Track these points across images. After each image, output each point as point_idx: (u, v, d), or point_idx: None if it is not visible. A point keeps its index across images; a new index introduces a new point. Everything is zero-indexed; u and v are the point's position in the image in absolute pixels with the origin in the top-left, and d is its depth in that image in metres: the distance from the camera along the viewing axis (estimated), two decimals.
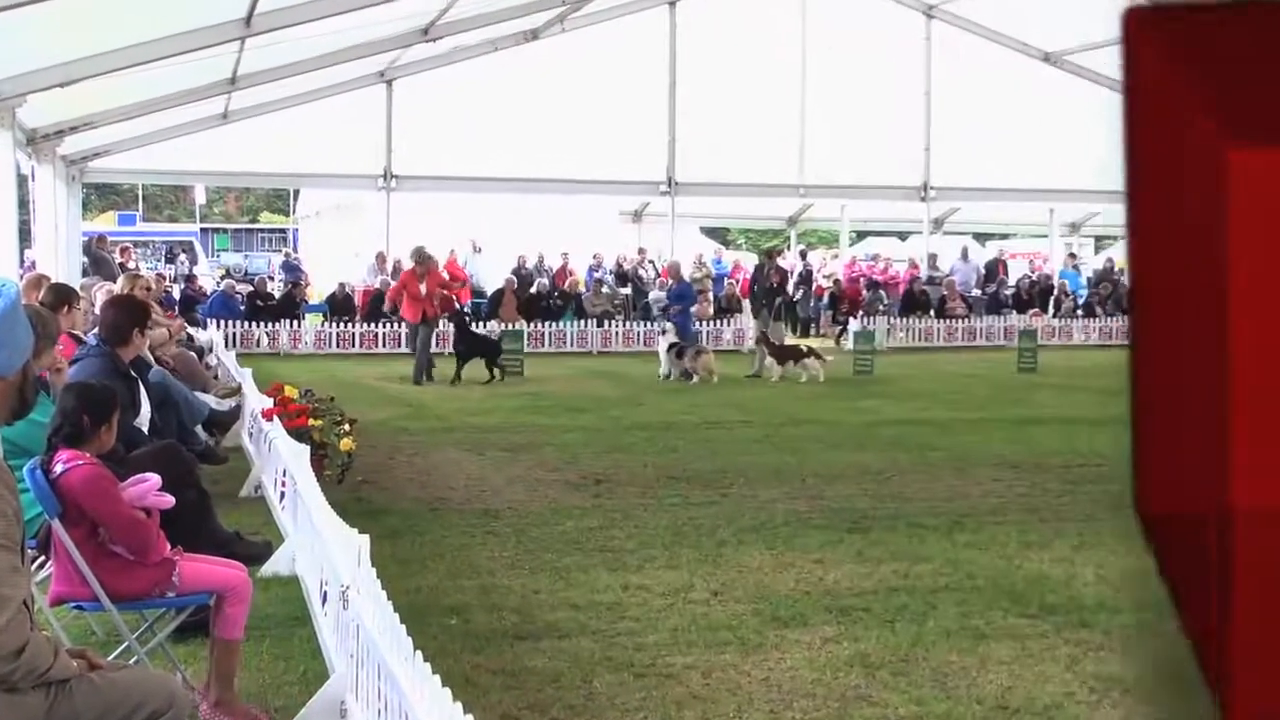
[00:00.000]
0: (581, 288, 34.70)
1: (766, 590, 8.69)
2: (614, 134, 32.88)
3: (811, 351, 24.28)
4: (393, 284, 27.21)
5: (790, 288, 30.64)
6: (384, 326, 29.71)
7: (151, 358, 12.30)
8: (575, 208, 38.15)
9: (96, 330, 10.59)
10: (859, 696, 6.59)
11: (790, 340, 29.33)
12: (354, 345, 30.11)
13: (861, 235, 49.77)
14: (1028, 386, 23.47)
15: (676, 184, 34.25)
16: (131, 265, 33.82)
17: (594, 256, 36.79)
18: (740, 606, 8.27)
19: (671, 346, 24.21)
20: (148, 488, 6.14)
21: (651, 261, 37.09)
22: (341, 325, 30.65)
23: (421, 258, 23.94)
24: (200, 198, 62.10)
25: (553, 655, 7.20)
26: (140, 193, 63.82)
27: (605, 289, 34.99)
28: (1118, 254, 46.77)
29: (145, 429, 9.92)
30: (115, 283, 16.17)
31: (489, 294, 33.73)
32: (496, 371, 23.04)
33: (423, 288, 23.52)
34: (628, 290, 35.59)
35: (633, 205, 41.94)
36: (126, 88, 21.39)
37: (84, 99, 21.22)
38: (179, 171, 35.97)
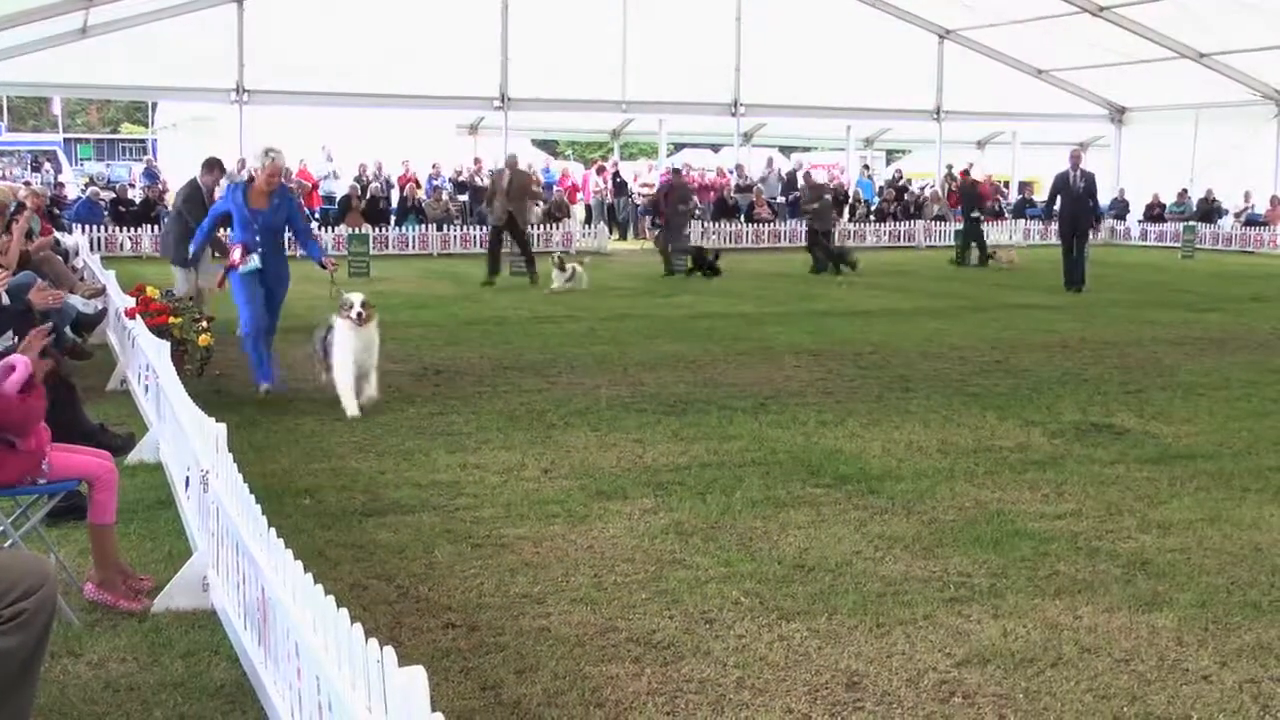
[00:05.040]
0: (421, 195, 34.33)
1: (591, 467, 8.76)
2: (452, 53, 32.51)
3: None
4: None
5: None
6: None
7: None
8: (416, 121, 37.64)
9: None
10: (673, 560, 6.70)
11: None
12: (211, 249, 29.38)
13: (678, 147, 49.80)
14: (826, 283, 23.80)
15: (509, 99, 34.11)
16: None
17: (433, 166, 36.41)
18: (567, 482, 8.34)
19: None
20: (17, 378, 5.95)
21: (490, 171, 36.74)
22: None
23: None
24: (56, 108, 59.97)
25: (398, 530, 7.21)
26: (4, 104, 61.43)
27: (445, 196, 34.70)
28: (907, 165, 47.56)
29: None
30: None
31: (336, 200, 33.36)
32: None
33: None
34: (465, 198, 35.36)
35: (469, 119, 41.54)
36: None
37: None
38: (40, 84, 34.76)
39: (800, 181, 31.48)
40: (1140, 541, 7.09)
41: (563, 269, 21.58)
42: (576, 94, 34.86)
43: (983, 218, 30.01)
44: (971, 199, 29.60)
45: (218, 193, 14.80)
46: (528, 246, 24.10)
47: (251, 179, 11.42)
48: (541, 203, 29.29)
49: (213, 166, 15.52)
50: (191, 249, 12.08)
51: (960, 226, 30.70)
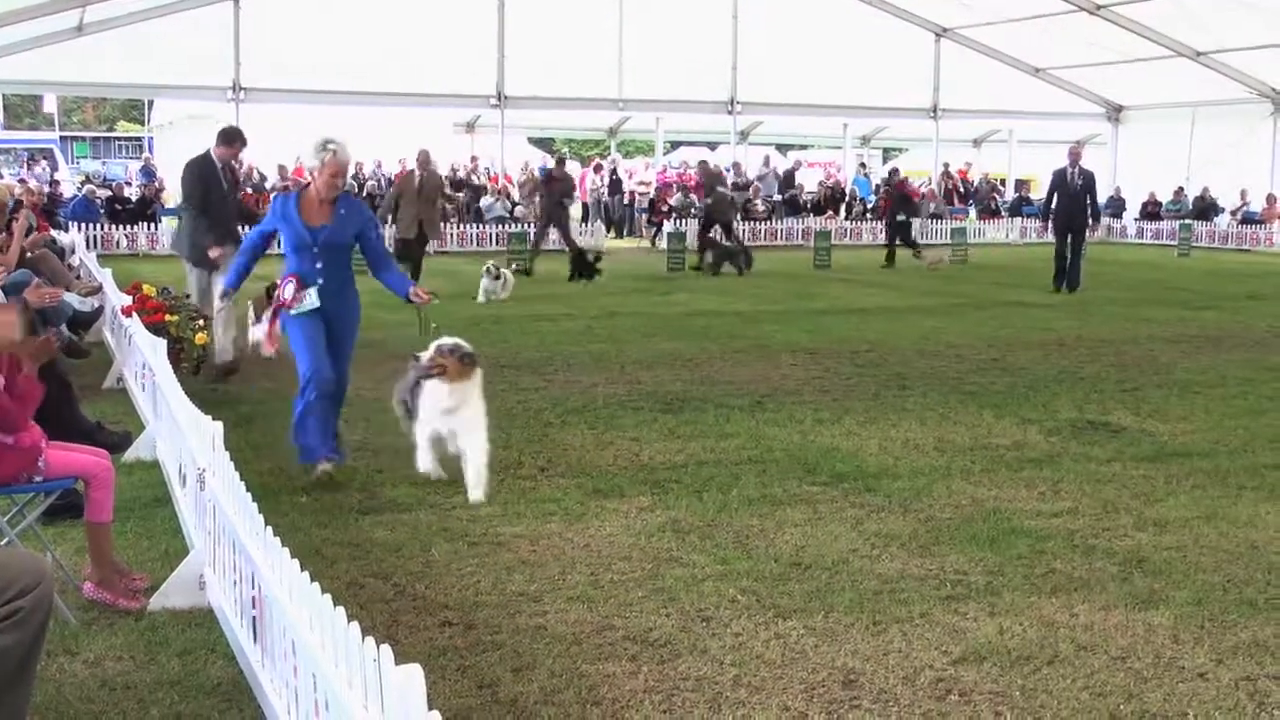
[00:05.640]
0: None
1: (588, 465, 8.76)
2: (449, 51, 32.54)
3: None
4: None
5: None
6: (242, 228, 28.93)
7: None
8: (412, 119, 37.66)
9: None
10: (670, 558, 6.70)
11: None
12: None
13: (675, 145, 49.82)
14: (822, 281, 23.80)
15: (506, 97, 34.13)
16: None
17: None
18: (564, 480, 8.33)
19: None
20: None
21: (488, 168, 36.76)
22: None
23: None
24: (48, 106, 59.91)
25: (394, 528, 7.21)
26: (0, 101, 61.41)
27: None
28: (904, 163, 47.57)
29: None
30: None
31: None
32: None
33: None
34: (462, 195, 35.37)
35: (465, 117, 41.60)
36: None
37: None
38: (36, 81, 34.77)
39: (696, 172, 30.91)
40: (1136, 539, 7.10)
41: (496, 276, 19.99)
42: (573, 92, 34.91)
43: (910, 221, 29.42)
44: (901, 201, 29.28)
45: (272, 198, 12.24)
46: (420, 261, 21.14)
47: (305, 185, 8.64)
48: (449, 205, 27.52)
49: (233, 139, 12.66)
50: (227, 283, 8.94)
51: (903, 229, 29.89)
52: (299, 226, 8.46)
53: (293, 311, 8.44)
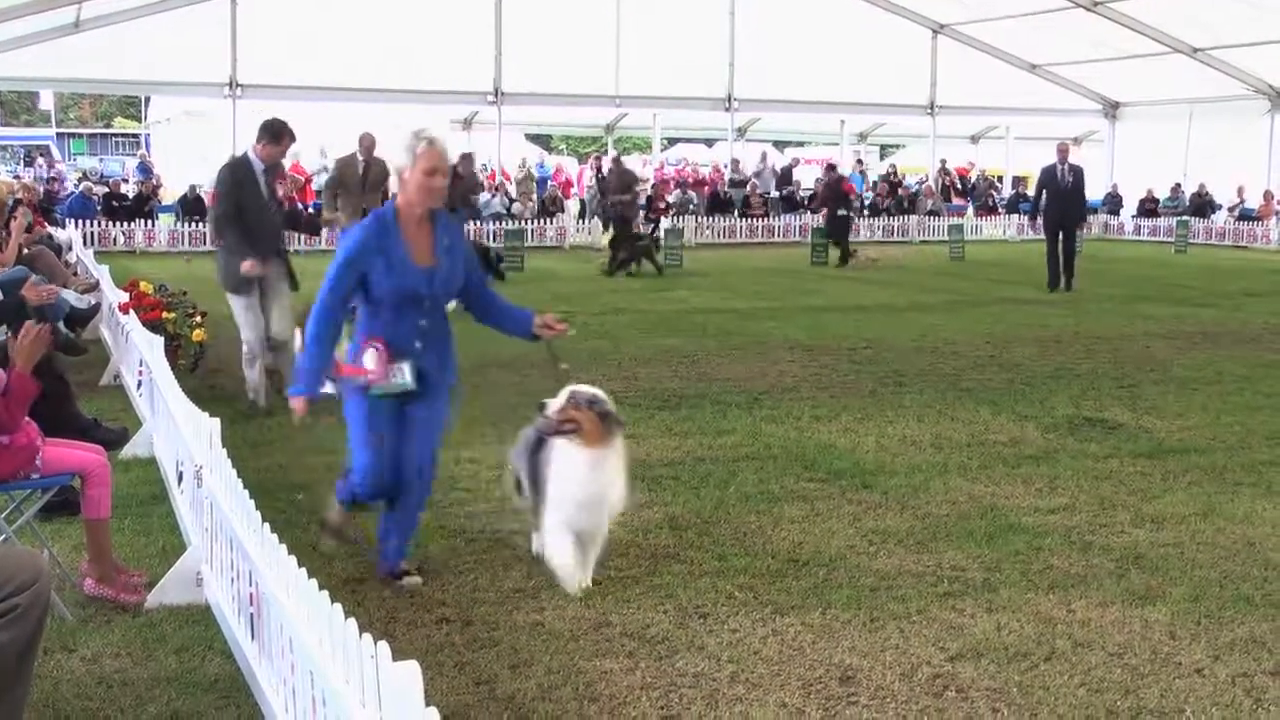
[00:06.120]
0: None
1: None
2: (446, 48, 32.51)
3: None
4: None
5: None
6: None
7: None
8: (410, 116, 37.57)
9: None
10: (668, 555, 6.70)
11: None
12: (205, 243, 29.30)
13: (672, 142, 49.81)
14: (820, 278, 23.80)
15: (503, 94, 34.12)
16: None
17: None
18: None
19: None
20: None
21: (484, 165, 36.72)
22: (192, 225, 29.70)
23: None
24: (44, 103, 59.82)
25: None
26: None
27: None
28: (901, 160, 47.59)
29: None
30: None
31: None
32: None
33: None
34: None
35: (463, 114, 41.55)
36: None
37: None
38: (33, 78, 34.74)
39: (608, 167, 30.51)
40: (1133, 536, 7.10)
41: None
42: (570, 88, 34.93)
43: (851, 216, 29.09)
44: (836, 197, 28.68)
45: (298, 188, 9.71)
46: None
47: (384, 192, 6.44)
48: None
49: (279, 134, 10.23)
50: (300, 387, 6.02)
51: (825, 224, 28.80)
52: (410, 268, 5.92)
53: (377, 389, 5.99)
